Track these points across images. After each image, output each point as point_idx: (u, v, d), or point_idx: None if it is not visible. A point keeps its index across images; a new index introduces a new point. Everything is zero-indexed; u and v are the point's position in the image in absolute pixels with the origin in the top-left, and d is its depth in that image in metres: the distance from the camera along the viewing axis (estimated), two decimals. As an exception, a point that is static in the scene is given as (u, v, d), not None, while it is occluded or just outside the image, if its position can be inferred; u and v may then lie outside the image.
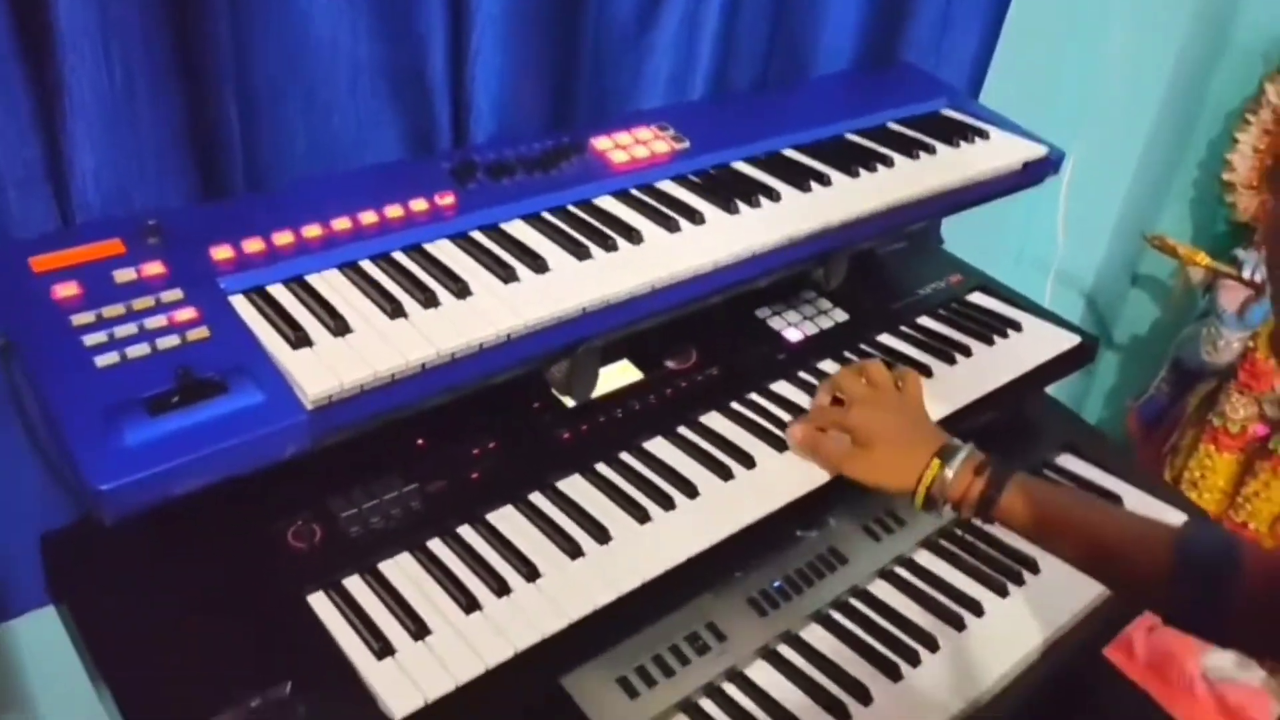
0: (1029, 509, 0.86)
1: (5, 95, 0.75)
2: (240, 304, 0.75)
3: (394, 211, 0.86)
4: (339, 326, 0.74)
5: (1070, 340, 1.16)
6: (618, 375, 0.98)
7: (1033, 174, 1.19)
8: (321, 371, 0.70)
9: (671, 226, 0.91)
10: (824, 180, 1.03)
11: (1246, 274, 1.39)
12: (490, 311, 0.78)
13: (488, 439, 0.90)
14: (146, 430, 0.63)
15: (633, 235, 0.89)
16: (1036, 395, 1.21)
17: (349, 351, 0.72)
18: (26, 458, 0.82)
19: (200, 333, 0.71)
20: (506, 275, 0.81)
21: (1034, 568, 1.02)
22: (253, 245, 0.79)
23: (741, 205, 0.96)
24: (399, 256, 0.83)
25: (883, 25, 1.31)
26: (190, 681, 0.69)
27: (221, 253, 0.78)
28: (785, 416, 0.99)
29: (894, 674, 0.89)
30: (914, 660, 0.91)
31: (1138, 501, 1.12)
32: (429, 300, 0.77)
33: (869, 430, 0.90)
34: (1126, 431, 1.79)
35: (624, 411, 0.96)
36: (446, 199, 0.89)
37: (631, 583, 0.80)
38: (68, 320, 0.70)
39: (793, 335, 1.11)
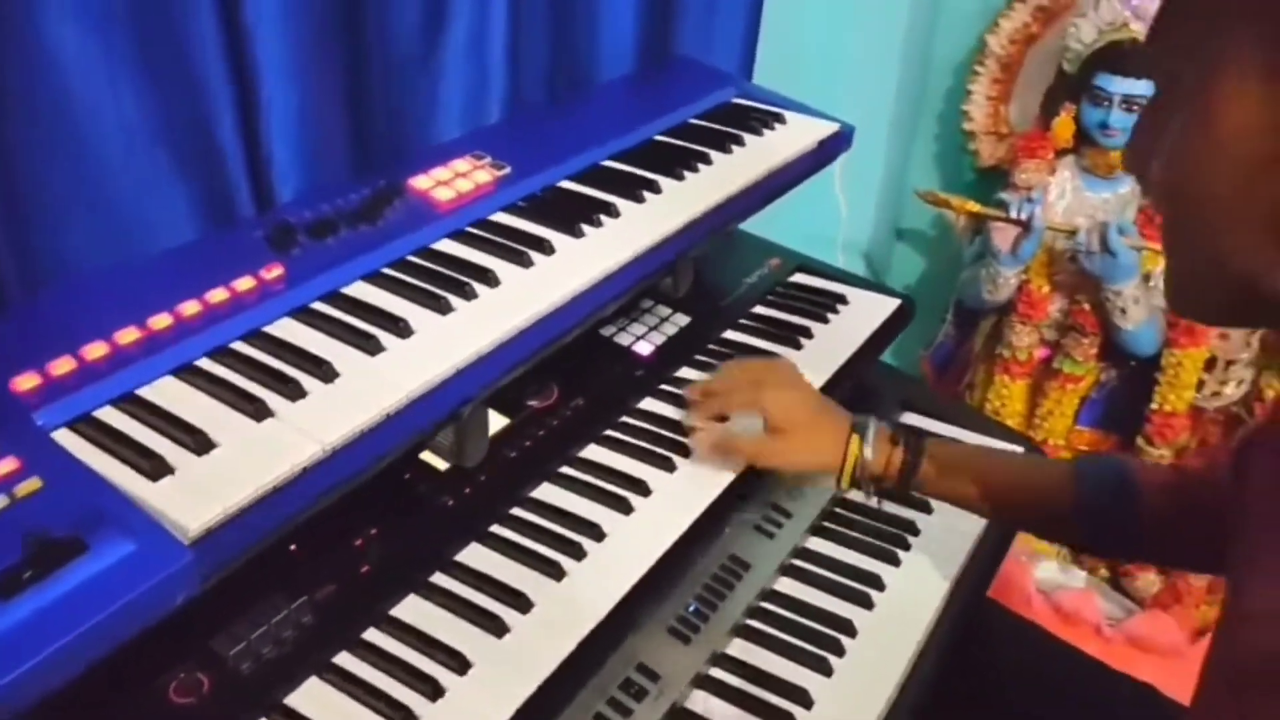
0: (942, 471, 0.89)
1: None
2: (68, 439, 0.63)
3: (217, 295, 0.75)
4: (199, 443, 0.63)
5: (893, 304, 1.21)
6: (486, 426, 0.92)
7: (829, 150, 1.22)
8: (195, 500, 0.60)
9: (524, 261, 0.86)
10: (654, 188, 1.01)
11: (1013, 214, 1.52)
12: (366, 391, 0.70)
13: (366, 526, 0.81)
14: (23, 605, 0.51)
15: (489, 278, 0.83)
16: (868, 362, 1.26)
17: (220, 469, 0.62)
18: None
19: (30, 485, 0.58)
20: (371, 346, 0.73)
21: (914, 529, 1.06)
22: (60, 366, 0.67)
23: (585, 227, 0.92)
24: (240, 347, 0.73)
25: (655, 23, 1.30)
26: None
27: (25, 382, 0.65)
28: (663, 433, 0.96)
29: (825, 669, 0.90)
30: (839, 650, 0.92)
31: (978, 443, 1.19)
32: (294, 392, 0.68)
33: (779, 418, 0.89)
34: (923, 379, 1.92)
35: (501, 463, 0.90)
36: (273, 271, 0.79)
37: (569, 645, 0.75)
38: None
39: (643, 349, 1.08)
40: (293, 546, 0.77)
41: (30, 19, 0.70)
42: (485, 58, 1.07)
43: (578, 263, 0.87)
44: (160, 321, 0.72)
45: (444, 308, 0.79)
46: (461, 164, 0.98)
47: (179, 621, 0.67)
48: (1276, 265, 0.43)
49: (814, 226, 1.88)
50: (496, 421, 0.93)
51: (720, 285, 1.21)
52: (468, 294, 0.81)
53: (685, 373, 1.06)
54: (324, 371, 0.70)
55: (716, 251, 1.27)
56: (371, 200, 0.89)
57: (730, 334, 1.14)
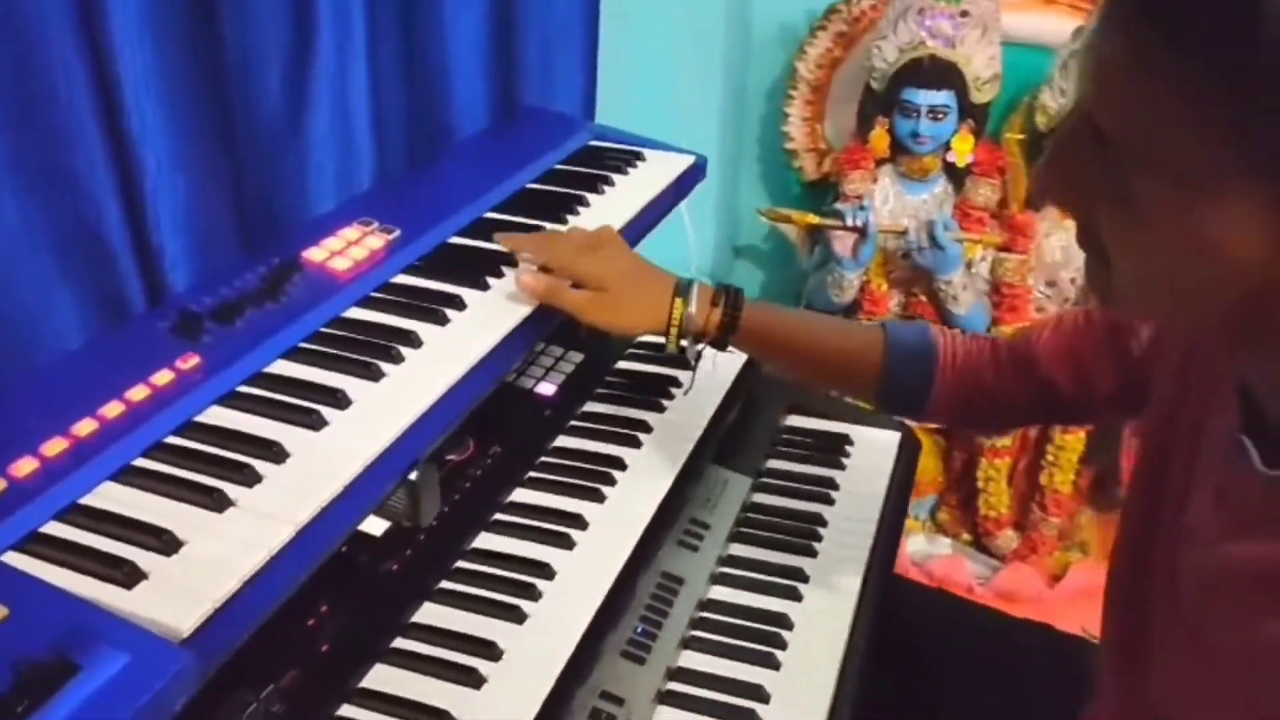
0: (759, 328, 0.97)
1: None
2: (20, 561, 0.60)
3: (138, 393, 0.73)
4: (166, 543, 0.62)
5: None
6: (416, 486, 0.93)
7: (688, 181, 1.30)
8: (179, 600, 0.58)
9: (440, 319, 0.87)
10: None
11: (850, 222, 1.65)
12: (320, 466, 0.70)
13: (316, 605, 0.81)
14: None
15: (411, 339, 0.84)
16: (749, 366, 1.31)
17: (195, 566, 0.61)
18: None
19: (-6, 614, 0.56)
20: (314, 421, 0.73)
21: (822, 521, 1.14)
22: (32, 461, 0.64)
23: (489, 279, 0.94)
24: (176, 441, 0.71)
25: (501, 76, 1.34)
26: None
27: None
28: (585, 466, 1.00)
29: (773, 664, 0.95)
30: (781, 644, 0.97)
31: (864, 436, 1.29)
32: (249, 478, 0.67)
33: (603, 276, 0.93)
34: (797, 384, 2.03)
35: (437, 519, 0.90)
36: (190, 360, 0.77)
37: (548, 683, 0.77)
38: None
39: (546, 389, 1.12)
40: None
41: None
42: (351, 129, 1.07)
43: (492, 313, 0.90)
44: (85, 427, 0.69)
45: (375, 374, 0.79)
46: (350, 232, 0.98)
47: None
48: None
49: (668, 254, 1.95)
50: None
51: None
52: (395, 357, 0.81)
53: (591, 407, 1.11)
54: (274, 453, 0.70)
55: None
56: (270, 278, 0.89)
57: (624, 364, 1.19)
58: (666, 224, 1.86)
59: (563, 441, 1.04)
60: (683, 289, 0.95)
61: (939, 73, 1.62)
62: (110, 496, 0.66)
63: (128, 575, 0.59)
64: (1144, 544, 0.73)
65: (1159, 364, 0.77)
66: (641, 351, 1.20)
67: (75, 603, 0.58)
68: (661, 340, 0.96)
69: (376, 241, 0.97)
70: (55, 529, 0.63)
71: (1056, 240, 1.70)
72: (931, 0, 1.61)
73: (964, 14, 1.60)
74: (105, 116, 0.78)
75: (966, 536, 1.97)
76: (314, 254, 0.94)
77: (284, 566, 0.63)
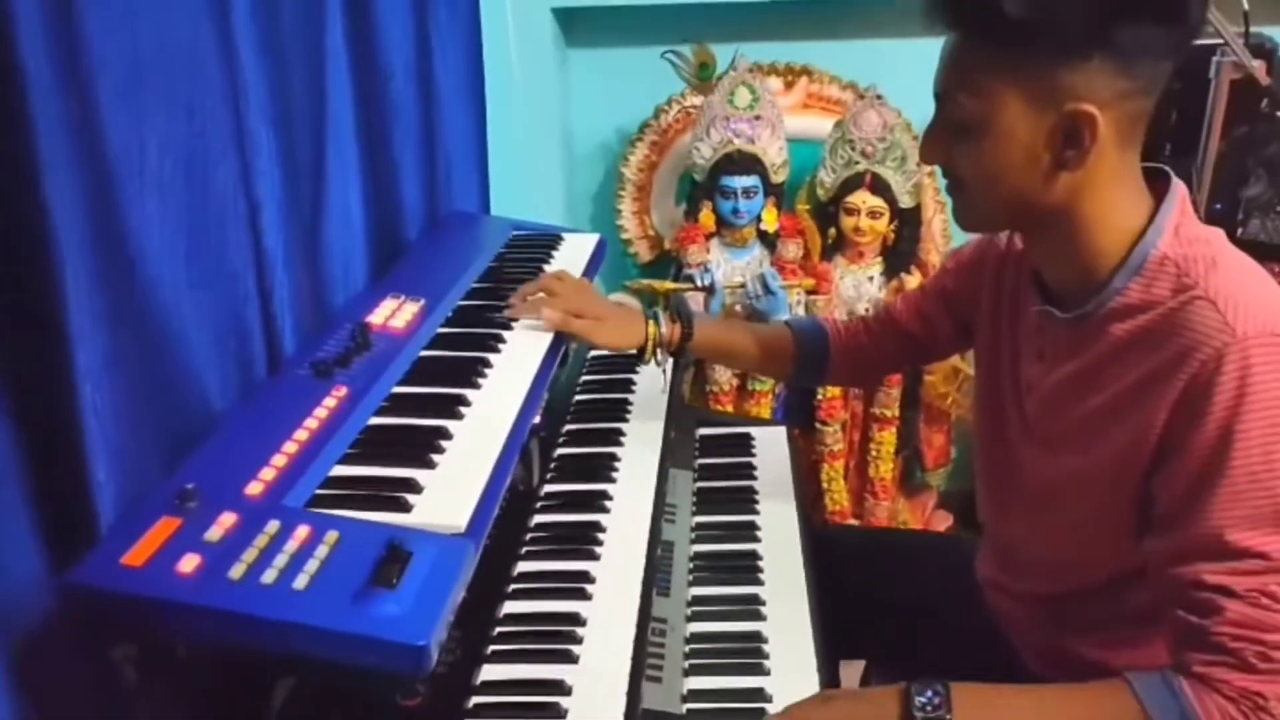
0: (706, 339, 1.38)
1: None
2: (322, 515, 0.84)
3: (321, 411, 0.98)
4: (410, 486, 0.88)
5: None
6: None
7: (598, 259, 1.64)
8: (447, 511, 0.85)
9: (494, 348, 1.17)
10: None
11: (700, 283, 2.06)
12: (479, 431, 0.98)
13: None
14: (404, 596, 0.74)
15: (484, 361, 1.13)
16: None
17: (448, 476, 0.89)
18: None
19: (332, 537, 0.80)
20: (456, 413, 1.01)
21: (754, 491, 1.48)
22: (269, 472, 0.87)
23: (513, 326, 1.25)
24: (366, 435, 0.97)
25: (431, 190, 1.65)
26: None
27: (254, 487, 0.85)
28: (570, 534, 1.20)
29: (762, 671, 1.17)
30: (763, 655, 1.17)
31: (760, 433, 1.66)
32: (437, 447, 0.95)
33: (599, 309, 1.31)
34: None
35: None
36: (341, 392, 1.02)
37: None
38: (227, 579, 0.74)
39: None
40: None
41: None
42: (351, 236, 1.35)
43: (528, 345, 1.20)
44: (301, 434, 0.94)
45: (475, 383, 1.08)
46: (390, 303, 1.25)
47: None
48: (1042, 191, 0.92)
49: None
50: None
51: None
52: (482, 372, 1.10)
53: (551, 488, 1.30)
54: (443, 433, 0.97)
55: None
56: (357, 336, 1.14)
57: (570, 425, 1.45)
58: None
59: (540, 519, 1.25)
60: (652, 315, 1.33)
61: (746, 162, 2.09)
62: (350, 472, 0.91)
63: (401, 505, 0.85)
64: (997, 413, 1.16)
65: (974, 306, 1.21)
66: (580, 408, 1.51)
67: (379, 526, 0.83)
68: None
69: (414, 307, 1.25)
70: (328, 492, 0.87)
71: (850, 281, 2.20)
72: (732, 110, 2.09)
73: (757, 118, 2.10)
74: (251, 235, 1.04)
75: (818, 534, 2.38)
76: (374, 318, 1.21)
77: (492, 488, 0.91)
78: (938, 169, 1.01)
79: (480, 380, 1.09)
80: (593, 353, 1.68)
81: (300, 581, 0.75)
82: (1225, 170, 1.94)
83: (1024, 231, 1.04)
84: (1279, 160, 2.02)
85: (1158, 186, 0.98)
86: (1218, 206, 2.03)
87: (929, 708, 0.95)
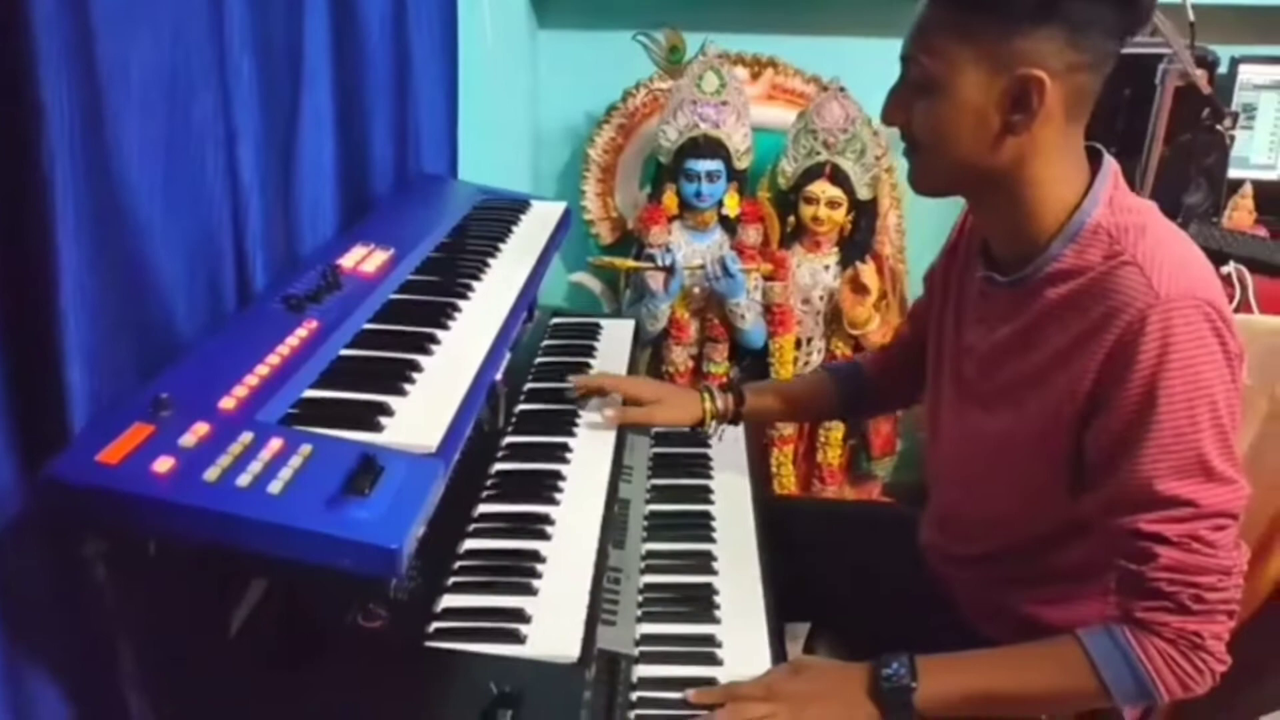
0: (757, 403, 1.44)
1: None
2: (295, 430, 0.86)
3: (294, 339, 0.99)
4: (383, 410, 0.90)
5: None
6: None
7: (564, 227, 1.67)
8: (421, 431, 0.87)
9: (464, 294, 1.19)
10: (493, 252, 1.38)
11: (660, 263, 2.09)
12: (451, 363, 1.01)
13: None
14: (376, 504, 0.76)
15: (455, 306, 1.15)
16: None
17: (419, 403, 0.91)
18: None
19: (305, 451, 0.81)
20: (426, 348, 1.03)
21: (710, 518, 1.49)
22: (241, 390, 0.88)
23: (484, 270, 1.27)
24: (339, 364, 0.99)
25: (401, 149, 1.66)
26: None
27: (228, 401, 0.86)
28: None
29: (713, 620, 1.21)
30: (714, 605, 1.21)
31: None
32: (411, 374, 0.97)
33: (655, 393, 1.40)
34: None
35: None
36: (312, 325, 1.03)
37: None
38: (203, 480, 0.75)
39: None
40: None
41: None
42: (321, 182, 1.36)
43: (501, 284, 1.23)
44: (273, 360, 0.95)
45: (445, 324, 1.10)
46: (359, 249, 1.26)
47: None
48: (990, 153, 0.97)
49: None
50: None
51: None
52: (451, 315, 1.12)
53: (513, 439, 1.31)
54: (413, 366, 0.99)
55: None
56: (328, 276, 1.15)
57: (530, 384, 1.46)
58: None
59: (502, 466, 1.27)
60: (706, 390, 1.41)
61: (710, 146, 2.13)
62: (323, 395, 0.93)
63: (373, 422, 0.87)
64: (937, 378, 1.21)
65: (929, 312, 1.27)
66: (540, 369, 1.53)
67: (352, 442, 0.85)
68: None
69: (383, 255, 1.27)
70: (304, 407, 0.89)
71: (806, 269, 2.25)
72: (699, 94, 2.13)
73: (724, 103, 2.14)
74: (228, 164, 1.05)
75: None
76: (344, 262, 1.22)
77: (463, 414, 0.93)
78: (896, 160, 1.07)
79: (449, 323, 1.11)
80: (555, 319, 1.71)
81: (274, 487, 0.76)
82: (1168, 175, 2.03)
83: (972, 197, 1.10)
84: (1217, 170, 2.12)
85: (1091, 163, 1.04)
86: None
87: (894, 678, 1.02)
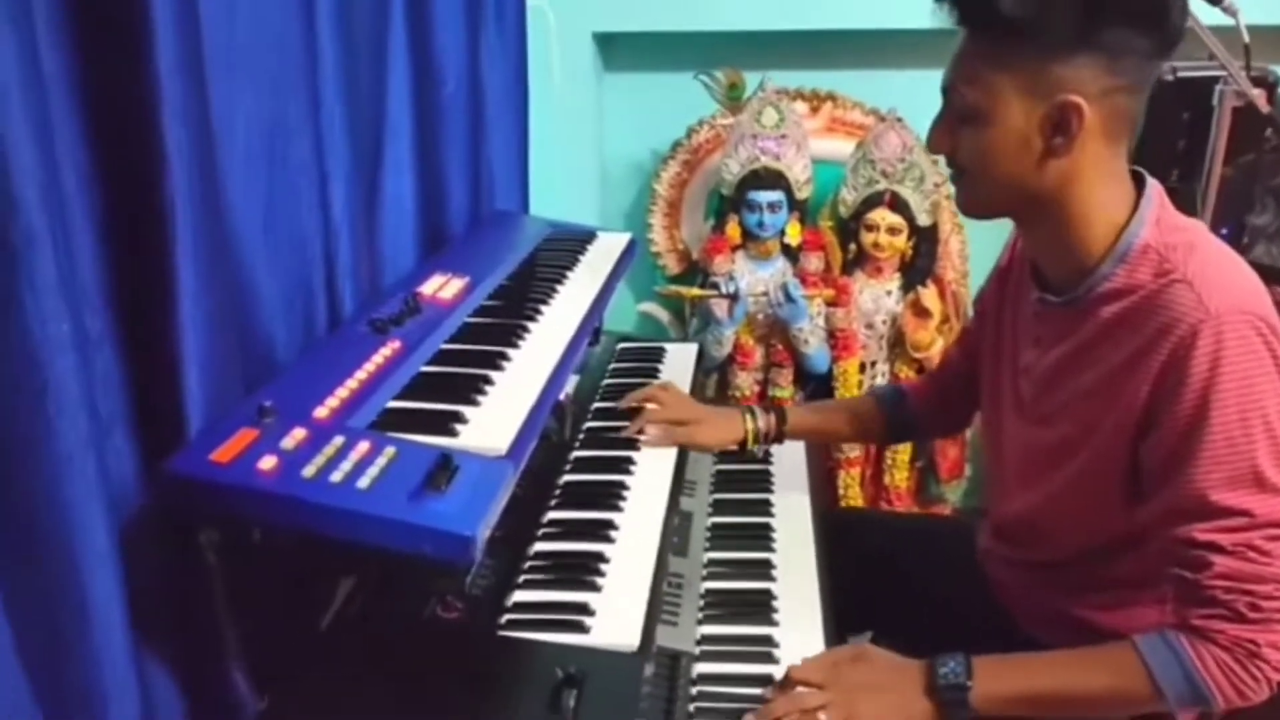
0: (799, 423, 1.48)
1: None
2: (381, 434, 0.95)
3: (379, 358, 1.10)
4: (457, 417, 0.99)
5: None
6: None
7: (628, 256, 1.76)
8: (493, 431, 0.96)
9: (533, 317, 1.28)
10: (561, 280, 1.47)
11: (725, 291, 2.17)
12: (518, 380, 1.09)
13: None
14: (453, 498, 0.85)
15: (524, 328, 1.24)
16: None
17: (491, 413, 1.00)
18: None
19: (389, 453, 0.91)
20: (499, 365, 1.13)
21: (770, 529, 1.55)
22: (333, 400, 0.98)
23: (552, 295, 1.36)
24: (430, 369, 1.10)
25: (475, 188, 1.78)
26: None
27: (321, 411, 0.96)
28: (598, 491, 1.40)
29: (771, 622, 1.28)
30: (773, 609, 1.26)
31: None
32: (483, 389, 1.06)
33: (696, 414, 1.45)
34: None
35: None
36: (395, 345, 1.14)
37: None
38: (301, 475, 0.85)
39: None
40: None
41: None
42: (403, 219, 1.48)
43: (561, 312, 1.32)
44: (359, 377, 1.05)
45: (516, 343, 1.19)
46: (438, 278, 1.37)
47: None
48: (1034, 177, 1.01)
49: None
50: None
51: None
52: (521, 335, 1.22)
53: (580, 453, 1.41)
54: (486, 380, 1.08)
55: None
56: (409, 303, 1.26)
57: (597, 404, 1.55)
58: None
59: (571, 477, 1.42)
60: (747, 410, 1.46)
61: (771, 178, 2.21)
62: (405, 405, 1.02)
63: (451, 428, 0.96)
64: (995, 398, 1.25)
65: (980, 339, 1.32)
66: (606, 391, 1.61)
67: (429, 446, 0.94)
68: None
69: (460, 282, 1.37)
70: (386, 418, 0.99)
71: (868, 295, 2.30)
72: (760, 129, 2.22)
73: (783, 136, 2.22)
74: (320, 204, 1.17)
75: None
76: (424, 289, 1.32)
77: (531, 422, 1.02)
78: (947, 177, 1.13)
79: (519, 342, 1.21)
80: (621, 345, 1.79)
81: (363, 482, 0.86)
82: (1231, 196, 2.03)
83: (1020, 220, 1.13)
84: (1284, 190, 2.12)
85: (1136, 186, 1.08)
86: (1224, 230, 2.12)
87: (950, 676, 1.05)
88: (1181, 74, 2.06)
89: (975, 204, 1.10)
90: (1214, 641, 0.96)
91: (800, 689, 1.06)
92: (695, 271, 2.46)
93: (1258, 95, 1.85)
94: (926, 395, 1.49)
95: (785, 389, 2.33)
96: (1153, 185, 1.07)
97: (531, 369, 1.14)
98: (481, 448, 0.95)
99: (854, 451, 2.35)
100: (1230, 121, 1.94)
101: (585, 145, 2.52)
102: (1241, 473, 0.96)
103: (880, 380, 2.35)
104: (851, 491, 2.38)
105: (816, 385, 2.36)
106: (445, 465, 0.89)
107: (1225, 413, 0.95)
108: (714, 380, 2.38)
